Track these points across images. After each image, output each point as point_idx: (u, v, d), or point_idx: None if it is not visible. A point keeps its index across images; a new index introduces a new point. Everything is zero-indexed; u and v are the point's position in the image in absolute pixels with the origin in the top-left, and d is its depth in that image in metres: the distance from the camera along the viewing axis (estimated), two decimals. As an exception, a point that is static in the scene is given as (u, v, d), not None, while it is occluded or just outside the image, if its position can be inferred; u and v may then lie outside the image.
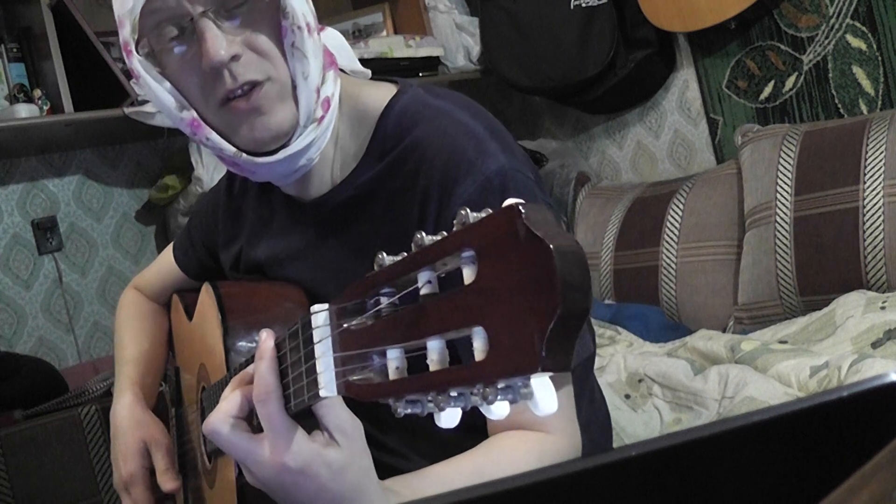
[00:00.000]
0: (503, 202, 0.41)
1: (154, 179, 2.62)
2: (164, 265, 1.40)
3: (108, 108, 2.20)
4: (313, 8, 0.98)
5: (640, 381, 1.78)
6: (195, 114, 0.96)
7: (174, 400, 1.38)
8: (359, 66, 1.08)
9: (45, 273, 2.48)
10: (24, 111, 2.14)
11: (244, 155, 0.97)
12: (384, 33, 2.85)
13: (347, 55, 1.07)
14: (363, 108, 1.04)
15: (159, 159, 2.69)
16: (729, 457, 0.45)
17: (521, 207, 0.39)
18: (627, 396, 1.75)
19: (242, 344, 1.01)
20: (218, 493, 1.04)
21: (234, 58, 0.91)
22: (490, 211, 0.42)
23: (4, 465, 1.86)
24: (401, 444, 1.06)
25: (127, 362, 1.32)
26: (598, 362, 1.80)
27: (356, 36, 2.85)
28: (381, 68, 2.53)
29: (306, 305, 1.08)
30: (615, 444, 1.30)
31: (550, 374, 0.39)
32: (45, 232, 2.47)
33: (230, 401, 0.76)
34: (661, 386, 1.73)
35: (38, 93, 2.22)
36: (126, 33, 0.93)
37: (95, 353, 2.53)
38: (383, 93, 1.04)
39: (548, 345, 0.36)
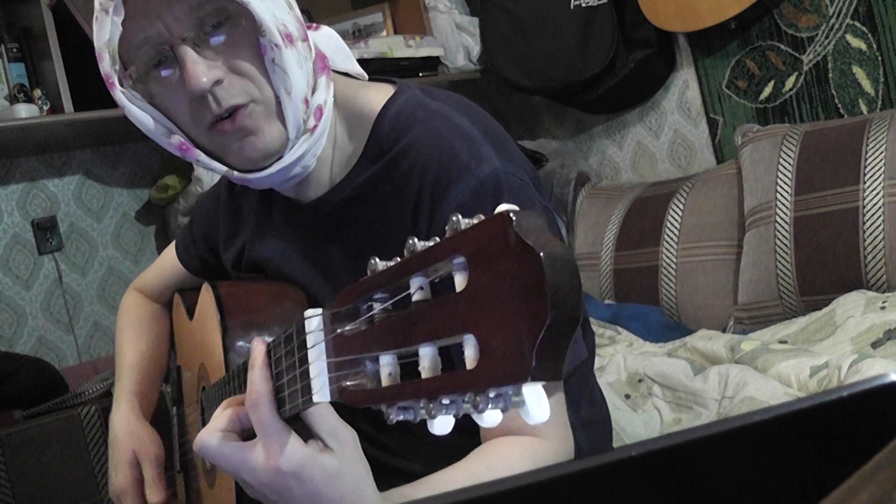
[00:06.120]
0: (497, 206, 0.40)
1: (154, 179, 2.62)
2: (166, 264, 1.40)
3: (108, 108, 2.18)
4: (299, 13, 0.97)
5: (640, 381, 1.77)
6: (182, 138, 0.97)
7: (176, 399, 1.38)
8: (356, 67, 1.06)
9: (45, 273, 2.48)
10: (24, 111, 2.14)
11: (235, 172, 0.98)
12: (384, 33, 2.85)
13: (344, 55, 1.05)
14: (360, 110, 1.03)
15: (159, 159, 2.68)
16: (729, 457, 0.45)
17: (511, 214, 0.38)
18: (627, 396, 1.75)
19: (241, 344, 1.01)
20: (217, 493, 1.04)
21: (217, 83, 0.91)
22: (482, 217, 0.42)
23: (4, 465, 1.86)
24: (400, 444, 1.06)
25: (126, 370, 1.32)
26: (598, 362, 1.80)
27: (356, 36, 2.85)
28: (381, 68, 2.53)
29: (306, 306, 1.08)
30: (615, 445, 1.30)
31: (542, 383, 0.39)
32: (45, 232, 2.47)
33: (218, 418, 0.76)
34: (661, 386, 1.72)
35: (38, 93, 2.22)
36: (106, 66, 0.93)
37: (95, 353, 2.53)
38: (380, 94, 1.04)
39: (538, 354, 0.36)
